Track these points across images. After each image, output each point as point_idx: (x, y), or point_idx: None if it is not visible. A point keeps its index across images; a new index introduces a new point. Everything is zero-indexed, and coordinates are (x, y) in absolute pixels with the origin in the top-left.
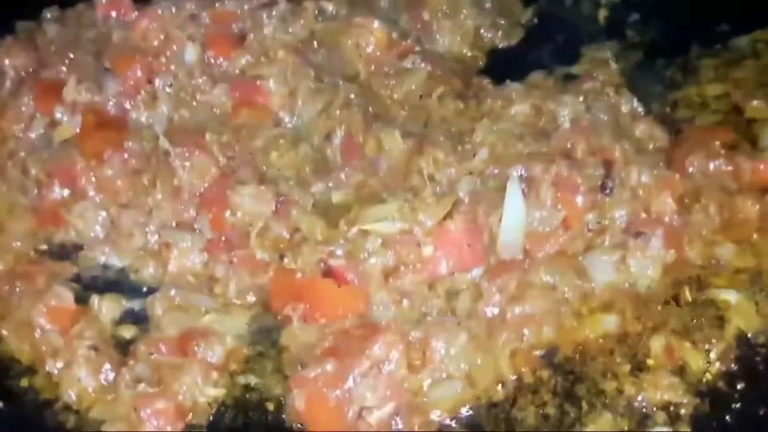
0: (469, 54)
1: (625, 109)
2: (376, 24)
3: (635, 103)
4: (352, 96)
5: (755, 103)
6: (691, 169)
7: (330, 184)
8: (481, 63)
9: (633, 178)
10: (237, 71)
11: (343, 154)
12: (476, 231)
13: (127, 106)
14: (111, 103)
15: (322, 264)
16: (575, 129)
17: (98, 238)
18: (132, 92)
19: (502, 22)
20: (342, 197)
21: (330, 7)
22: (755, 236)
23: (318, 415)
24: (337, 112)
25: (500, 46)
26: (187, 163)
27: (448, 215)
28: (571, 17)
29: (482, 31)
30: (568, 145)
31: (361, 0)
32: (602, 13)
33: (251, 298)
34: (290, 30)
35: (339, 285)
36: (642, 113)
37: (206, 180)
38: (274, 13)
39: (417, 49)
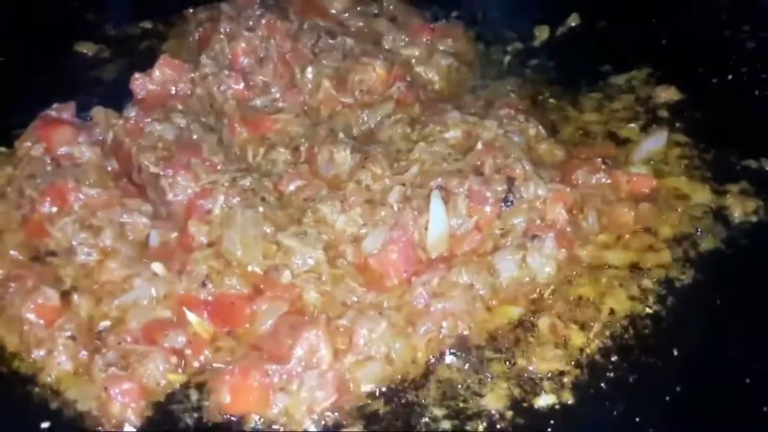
0: (445, 85)
1: (532, 132)
2: (378, 63)
3: (539, 127)
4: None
5: (630, 125)
6: (577, 182)
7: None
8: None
9: (530, 192)
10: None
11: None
12: (405, 240)
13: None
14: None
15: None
16: (484, 149)
17: (72, 247)
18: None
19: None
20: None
21: (352, 42)
22: (627, 236)
23: (242, 406)
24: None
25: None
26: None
27: (382, 222)
28: (482, 61)
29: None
30: (479, 163)
31: (369, 36)
32: (507, 59)
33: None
34: (325, 62)
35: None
36: (544, 135)
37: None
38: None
39: (408, 78)
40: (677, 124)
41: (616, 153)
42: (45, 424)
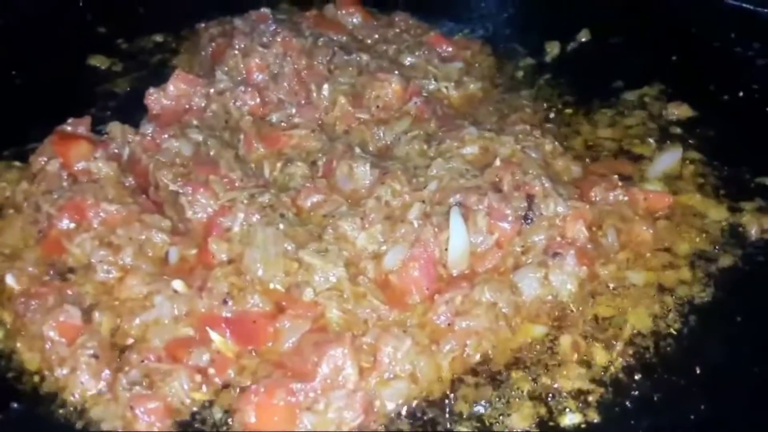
0: (462, 100)
1: (548, 147)
2: (395, 79)
3: (555, 142)
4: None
5: (647, 140)
6: (595, 199)
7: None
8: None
9: (551, 209)
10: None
11: (323, 174)
12: (426, 256)
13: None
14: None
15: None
16: (503, 166)
17: (91, 264)
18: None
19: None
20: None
21: (367, 58)
22: (648, 255)
23: (268, 426)
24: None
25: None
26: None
27: (402, 239)
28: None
29: (465, 80)
30: (497, 180)
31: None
32: (519, 73)
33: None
34: (341, 79)
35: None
36: (561, 150)
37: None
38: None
39: (424, 94)
40: (690, 141)
41: (632, 170)
42: None
